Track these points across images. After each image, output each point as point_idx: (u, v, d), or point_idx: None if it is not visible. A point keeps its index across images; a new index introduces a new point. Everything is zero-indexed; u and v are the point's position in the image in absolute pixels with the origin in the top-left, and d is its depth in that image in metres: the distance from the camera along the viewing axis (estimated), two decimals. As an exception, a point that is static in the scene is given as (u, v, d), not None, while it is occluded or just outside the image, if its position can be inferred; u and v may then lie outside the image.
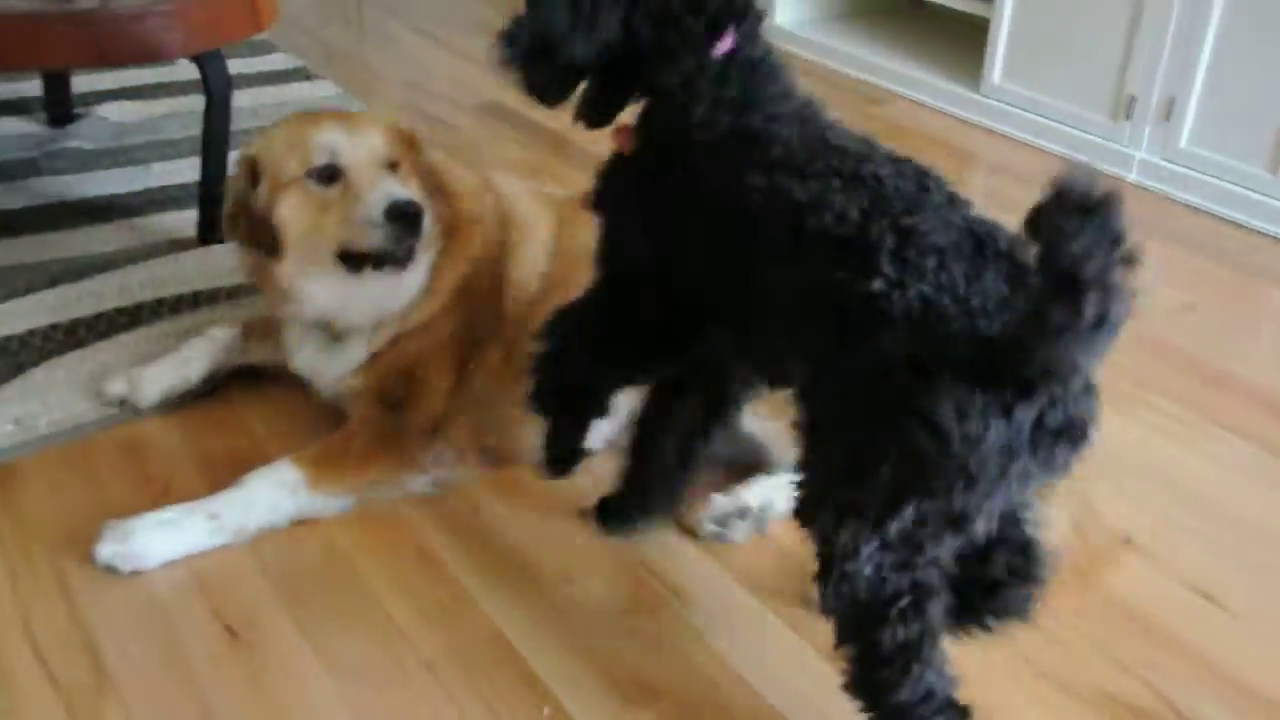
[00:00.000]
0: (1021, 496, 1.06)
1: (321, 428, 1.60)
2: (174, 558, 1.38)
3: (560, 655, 1.29)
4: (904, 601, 1.01)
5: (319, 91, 2.95)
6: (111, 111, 2.65)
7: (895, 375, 0.94)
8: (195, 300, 1.90)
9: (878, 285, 0.96)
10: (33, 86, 2.66)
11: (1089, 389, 0.97)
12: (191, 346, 1.67)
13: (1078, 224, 0.84)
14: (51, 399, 1.63)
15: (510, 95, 1.58)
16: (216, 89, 1.93)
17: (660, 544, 1.46)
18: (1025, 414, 0.93)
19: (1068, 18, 2.80)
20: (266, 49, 3.29)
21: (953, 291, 0.95)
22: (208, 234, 2.07)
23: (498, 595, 1.37)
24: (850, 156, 1.07)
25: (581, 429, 1.35)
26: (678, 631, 1.34)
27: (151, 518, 1.39)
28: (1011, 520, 1.11)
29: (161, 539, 1.38)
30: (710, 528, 1.46)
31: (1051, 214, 0.87)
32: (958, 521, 0.99)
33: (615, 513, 1.46)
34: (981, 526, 1.01)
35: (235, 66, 2.17)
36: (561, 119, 1.24)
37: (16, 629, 1.29)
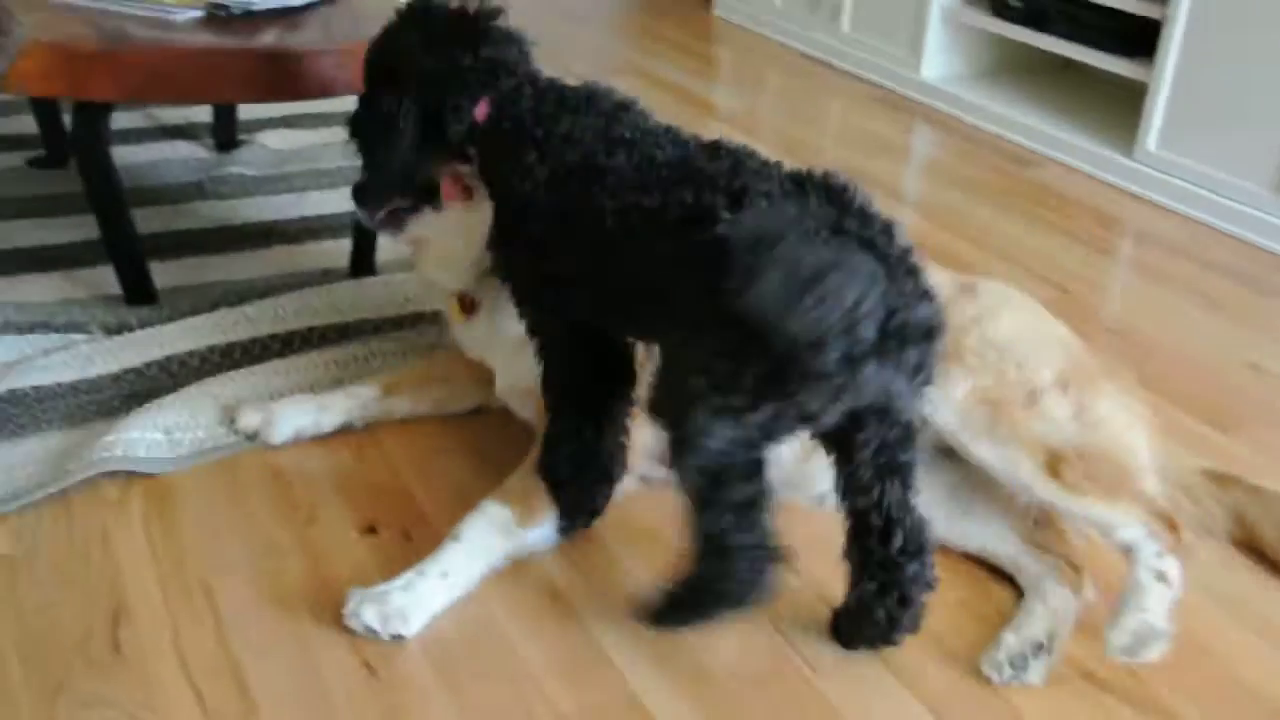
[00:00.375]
0: (888, 399, 1.18)
1: (459, 459, 1.64)
2: (426, 620, 1.38)
3: (692, 720, 1.28)
4: (749, 470, 1.19)
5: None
6: (272, 139, 2.76)
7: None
8: (344, 331, 1.95)
9: (721, 229, 1.15)
10: (201, 112, 2.78)
11: (925, 294, 1.16)
12: (331, 398, 1.71)
13: None
14: (201, 418, 1.68)
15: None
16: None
17: (796, 607, 1.44)
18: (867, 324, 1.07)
19: (1231, 86, 2.72)
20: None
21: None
22: (359, 266, 2.13)
23: (632, 651, 1.37)
24: (674, 164, 1.29)
25: (601, 487, 1.50)
26: (813, 706, 1.32)
27: (397, 584, 1.38)
28: (903, 505, 1.26)
29: (413, 603, 1.37)
30: (1008, 671, 1.36)
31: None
32: (808, 418, 1.16)
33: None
34: (830, 419, 1.17)
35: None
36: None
37: (167, 643, 1.33)
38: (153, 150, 2.69)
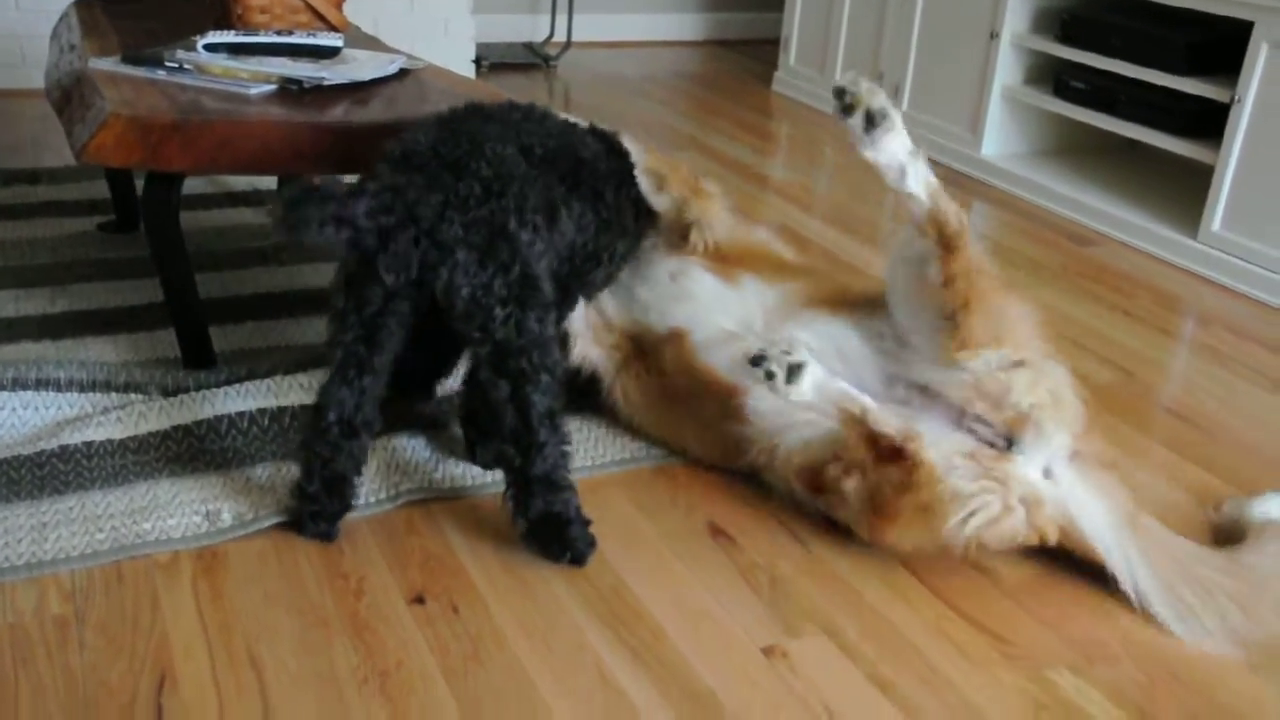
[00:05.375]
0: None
1: (510, 530, 1.62)
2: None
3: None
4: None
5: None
6: (335, 208, 2.80)
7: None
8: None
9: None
10: (267, 180, 2.84)
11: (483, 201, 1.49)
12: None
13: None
14: (243, 496, 1.69)
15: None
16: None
17: (835, 681, 1.40)
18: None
19: (1299, 170, 2.68)
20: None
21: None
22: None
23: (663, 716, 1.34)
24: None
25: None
26: None
27: None
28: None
29: None
30: None
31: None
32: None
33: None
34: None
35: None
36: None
37: (213, 714, 1.32)
38: (218, 216, 2.75)
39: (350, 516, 1.67)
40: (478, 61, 4.57)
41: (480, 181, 1.49)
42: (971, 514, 1.54)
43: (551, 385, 1.53)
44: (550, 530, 1.59)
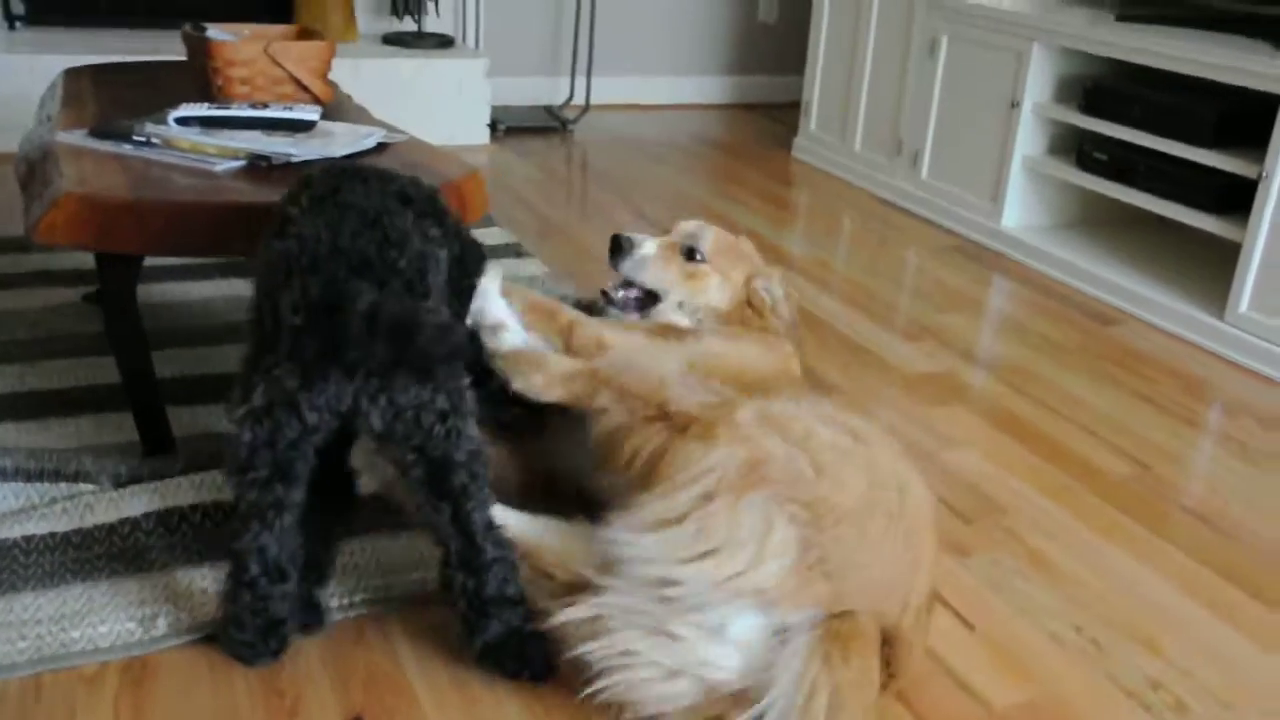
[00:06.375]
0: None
1: (464, 643, 1.51)
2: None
3: None
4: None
5: (526, 269, 2.98)
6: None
7: None
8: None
9: None
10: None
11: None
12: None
13: None
14: (182, 600, 1.59)
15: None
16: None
17: None
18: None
19: (1331, 252, 2.54)
20: (485, 223, 3.37)
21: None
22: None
23: None
24: None
25: None
26: None
27: None
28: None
29: None
30: None
31: None
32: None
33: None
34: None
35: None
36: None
37: None
38: (206, 287, 2.69)
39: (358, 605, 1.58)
40: (493, 125, 4.52)
41: (403, 280, 1.34)
42: None
43: (487, 494, 1.41)
44: (508, 650, 1.47)
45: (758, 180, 4.20)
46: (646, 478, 1.45)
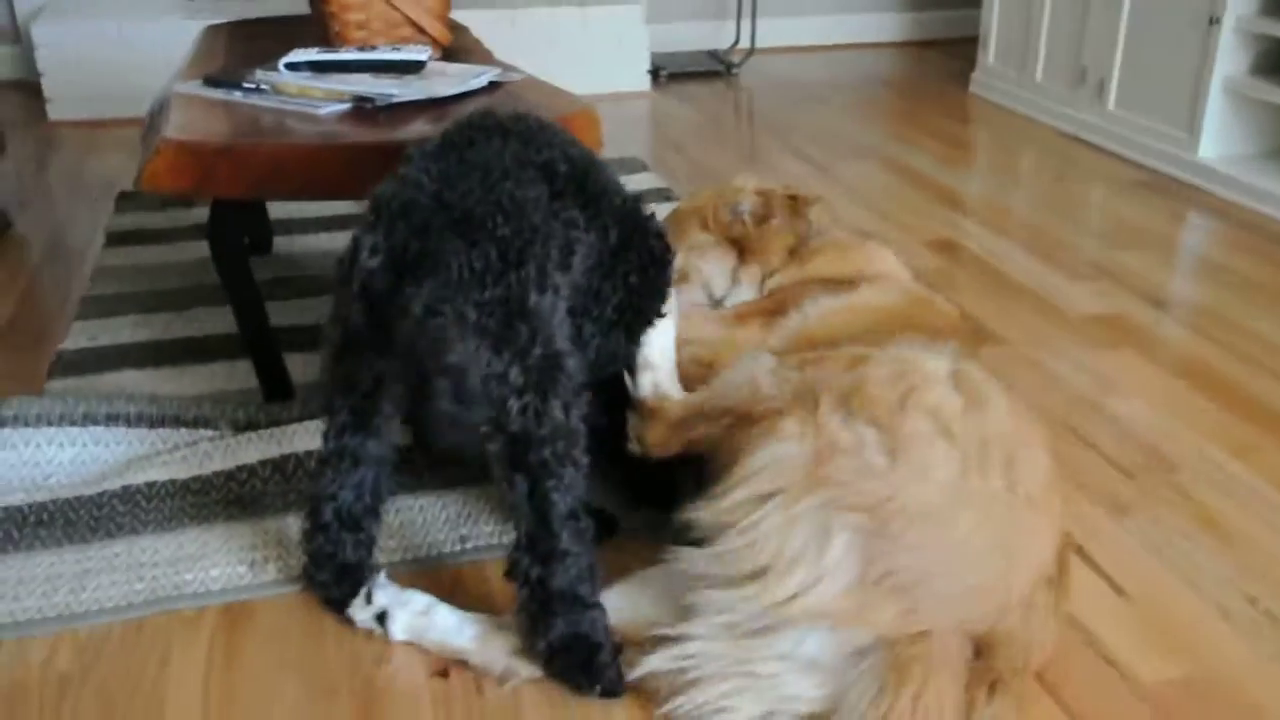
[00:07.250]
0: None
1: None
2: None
3: None
4: None
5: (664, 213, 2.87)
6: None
7: None
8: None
9: None
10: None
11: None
12: (482, 636, 1.39)
13: None
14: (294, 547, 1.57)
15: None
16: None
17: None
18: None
19: None
20: (638, 167, 3.29)
21: None
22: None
23: None
24: None
25: None
26: None
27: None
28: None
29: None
30: None
31: None
32: None
33: None
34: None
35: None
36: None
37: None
38: (325, 240, 2.71)
39: (398, 565, 1.54)
40: (655, 72, 4.42)
41: (496, 245, 1.21)
42: None
43: (577, 481, 1.27)
44: (574, 656, 1.30)
45: (932, 119, 3.96)
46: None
